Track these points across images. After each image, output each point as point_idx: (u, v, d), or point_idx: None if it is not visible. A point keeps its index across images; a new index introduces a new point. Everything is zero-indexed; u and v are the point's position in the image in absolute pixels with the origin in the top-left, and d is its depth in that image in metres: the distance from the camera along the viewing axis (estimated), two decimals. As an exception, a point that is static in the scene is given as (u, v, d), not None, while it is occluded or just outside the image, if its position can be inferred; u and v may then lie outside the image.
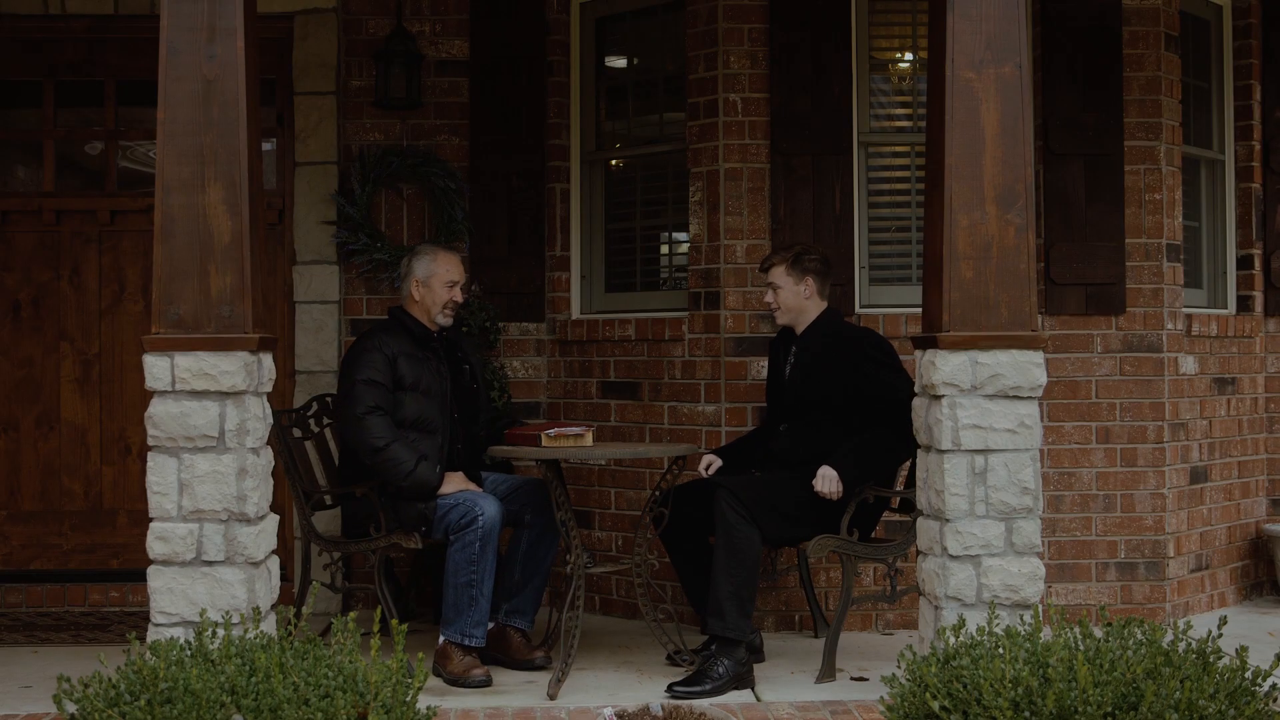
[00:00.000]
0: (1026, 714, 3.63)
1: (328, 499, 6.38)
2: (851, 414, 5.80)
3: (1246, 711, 3.70)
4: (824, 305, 6.00)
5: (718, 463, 6.06)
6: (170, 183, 4.76)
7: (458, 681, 5.56)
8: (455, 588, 5.68)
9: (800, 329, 6.00)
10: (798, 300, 5.94)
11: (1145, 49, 6.72)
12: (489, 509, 5.69)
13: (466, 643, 5.64)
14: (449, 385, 6.02)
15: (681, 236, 7.01)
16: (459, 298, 6.06)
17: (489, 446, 6.03)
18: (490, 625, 5.88)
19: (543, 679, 5.62)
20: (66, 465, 7.38)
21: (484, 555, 5.67)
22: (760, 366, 6.59)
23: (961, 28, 4.91)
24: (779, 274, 5.94)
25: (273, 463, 4.95)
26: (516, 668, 5.83)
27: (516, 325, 7.24)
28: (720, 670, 5.45)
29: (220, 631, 4.17)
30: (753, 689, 5.51)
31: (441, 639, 5.68)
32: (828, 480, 5.63)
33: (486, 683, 5.56)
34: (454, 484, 5.82)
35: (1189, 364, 6.92)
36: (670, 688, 5.42)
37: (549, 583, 7.18)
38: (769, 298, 5.99)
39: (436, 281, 5.99)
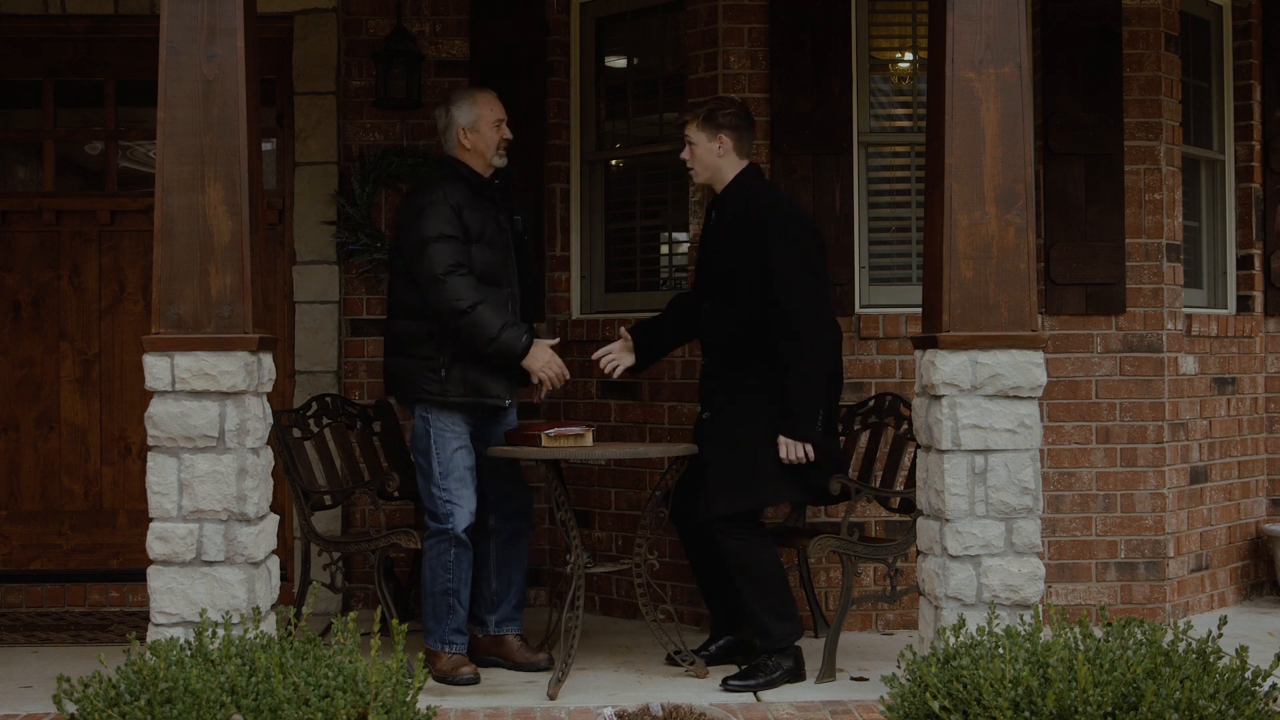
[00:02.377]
0: (1026, 714, 3.63)
1: (328, 499, 6.38)
2: (765, 299, 5.61)
3: (1246, 711, 3.70)
4: (742, 164, 5.76)
5: (625, 362, 5.92)
6: (170, 183, 4.76)
7: (445, 679, 5.57)
8: (432, 596, 5.64)
9: (719, 189, 5.78)
10: (711, 158, 5.72)
11: (1145, 49, 6.72)
12: (462, 514, 5.62)
13: (447, 650, 5.63)
14: (510, 235, 5.81)
15: (681, 236, 7.01)
16: (509, 135, 5.84)
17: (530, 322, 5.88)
18: (482, 636, 5.88)
19: (542, 679, 5.62)
20: (66, 465, 7.38)
21: (459, 563, 5.63)
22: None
23: (961, 28, 4.91)
24: (692, 130, 5.74)
25: (273, 463, 4.95)
26: (519, 670, 5.82)
27: (516, 325, 7.23)
28: (772, 664, 5.53)
29: (220, 631, 4.18)
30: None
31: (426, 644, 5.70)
32: (792, 449, 5.57)
33: (474, 680, 5.56)
34: (542, 357, 5.62)
35: (1189, 364, 6.92)
36: (725, 681, 5.50)
37: (549, 583, 7.20)
38: (685, 154, 5.79)
39: (484, 124, 5.77)
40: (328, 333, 7.21)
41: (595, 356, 5.97)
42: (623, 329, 6.03)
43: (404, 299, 5.73)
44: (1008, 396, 4.86)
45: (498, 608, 5.90)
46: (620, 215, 7.29)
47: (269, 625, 4.78)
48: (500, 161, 5.84)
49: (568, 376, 5.78)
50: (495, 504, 5.90)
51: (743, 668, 5.62)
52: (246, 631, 4.10)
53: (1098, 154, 6.69)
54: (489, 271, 5.67)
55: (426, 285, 5.57)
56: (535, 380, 5.72)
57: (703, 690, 5.47)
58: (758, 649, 5.65)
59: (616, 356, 5.95)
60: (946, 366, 4.86)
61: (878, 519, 6.57)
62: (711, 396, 5.78)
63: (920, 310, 5.31)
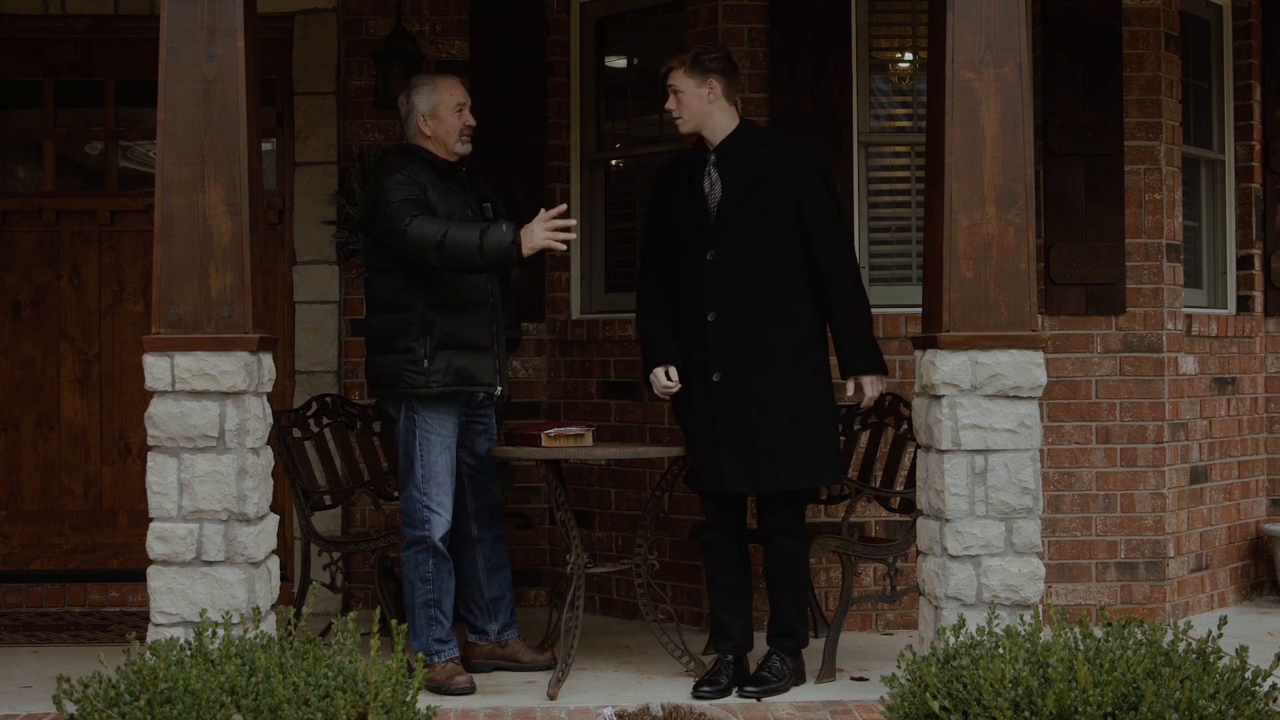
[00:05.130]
0: (1026, 714, 3.63)
1: (328, 499, 6.38)
2: (793, 241, 5.43)
3: (1246, 711, 3.70)
4: (735, 112, 5.54)
5: (675, 387, 5.57)
6: (170, 183, 4.76)
7: (440, 689, 5.43)
8: (414, 609, 5.56)
9: (716, 140, 5.52)
10: (701, 104, 5.47)
11: (1145, 49, 6.72)
12: (440, 522, 5.53)
13: (434, 659, 5.50)
14: (480, 218, 5.64)
15: (681, 236, 7.00)
16: (471, 120, 5.68)
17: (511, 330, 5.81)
18: (485, 644, 5.83)
19: (543, 679, 5.62)
20: (66, 465, 7.38)
21: (439, 574, 5.56)
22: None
23: (961, 28, 4.91)
24: (678, 77, 5.49)
25: (273, 463, 4.95)
26: (526, 670, 5.78)
27: (516, 325, 7.23)
28: (784, 667, 5.48)
29: (220, 631, 4.18)
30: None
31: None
32: (876, 384, 5.50)
33: (470, 690, 5.45)
34: (537, 230, 5.33)
35: (1189, 364, 6.92)
36: (741, 689, 5.41)
37: (549, 583, 7.20)
38: (670, 104, 5.53)
39: (444, 109, 5.63)
40: (328, 333, 7.21)
41: (662, 392, 5.62)
42: (671, 374, 5.59)
43: (380, 293, 5.61)
44: (1008, 396, 4.86)
45: (497, 615, 5.85)
46: (620, 215, 7.29)
47: (269, 625, 4.78)
48: (463, 148, 5.68)
49: (573, 223, 5.41)
50: (476, 512, 5.83)
51: (752, 674, 5.53)
52: (246, 631, 4.10)
53: (1098, 154, 6.69)
54: None
55: (398, 243, 5.38)
56: (547, 247, 5.39)
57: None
58: (774, 650, 5.53)
59: (674, 385, 5.65)
60: (946, 366, 4.86)
61: (878, 519, 6.57)
62: (728, 355, 5.43)
63: (920, 310, 5.30)
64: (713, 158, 5.53)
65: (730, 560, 5.58)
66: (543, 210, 5.40)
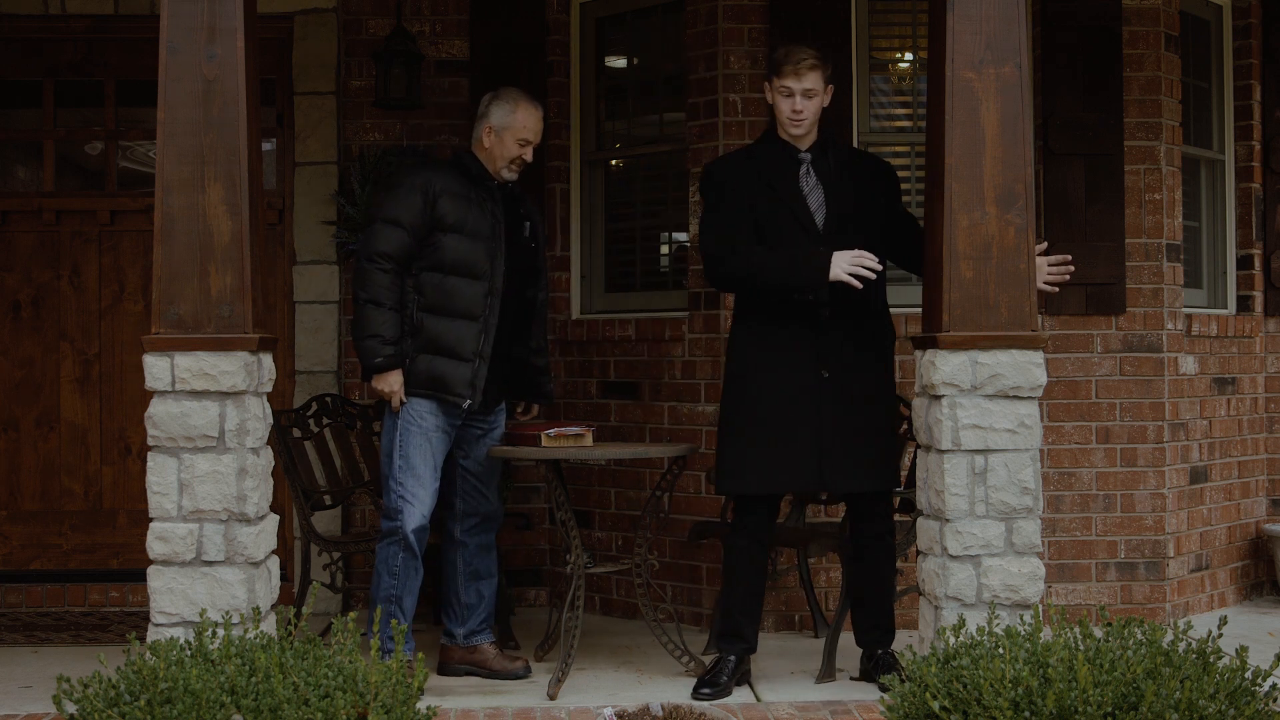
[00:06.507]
0: (1026, 714, 3.63)
1: (328, 499, 6.38)
2: (880, 242, 5.45)
3: (1246, 711, 3.70)
4: None
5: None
6: (170, 183, 4.76)
7: None
8: (375, 601, 5.54)
9: (805, 145, 5.45)
10: (819, 107, 5.41)
11: (1145, 49, 6.72)
12: (413, 514, 5.52)
13: (386, 656, 5.39)
14: (502, 232, 5.62)
15: (681, 236, 7.01)
16: (529, 157, 5.71)
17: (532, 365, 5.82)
18: (453, 646, 5.77)
19: (543, 679, 5.62)
20: (66, 465, 7.38)
21: (406, 570, 5.54)
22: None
23: (961, 28, 4.91)
24: (817, 79, 5.34)
25: (273, 463, 4.95)
26: (496, 678, 5.68)
27: (516, 325, 7.23)
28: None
29: (220, 631, 4.18)
30: (752, 688, 5.52)
31: None
32: None
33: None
34: (391, 382, 5.49)
35: (1189, 364, 6.92)
36: (878, 683, 5.37)
37: (549, 583, 7.20)
38: (798, 105, 5.33)
39: (510, 135, 5.63)
40: (328, 333, 7.21)
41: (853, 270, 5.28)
42: None
43: None
44: (1008, 396, 4.86)
45: (466, 621, 5.79)
46: (620, 215, 7.29)
47: (269, 625, 4.78)
48: (509, 175, 5.70)
49: (402, 403, 5.55)
50: (463, 515, 5.80)
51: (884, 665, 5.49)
52: (246, 631, 4.10)
53: (1098, 154, 6.69)
54: (462, 263, 5.53)
55: (357, 258, 5.57)
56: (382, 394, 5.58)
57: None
58: (882, 649, 5.55)
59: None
60: (946, 366, 4.86)
61: (878, 519, 6.56)
62: (836, 352, 5.38)
63: (920, 310, 5.30)
64: (809, 157, 5.45)
65: (758, 565, 5.56)
66: (397, 379, 5.54)
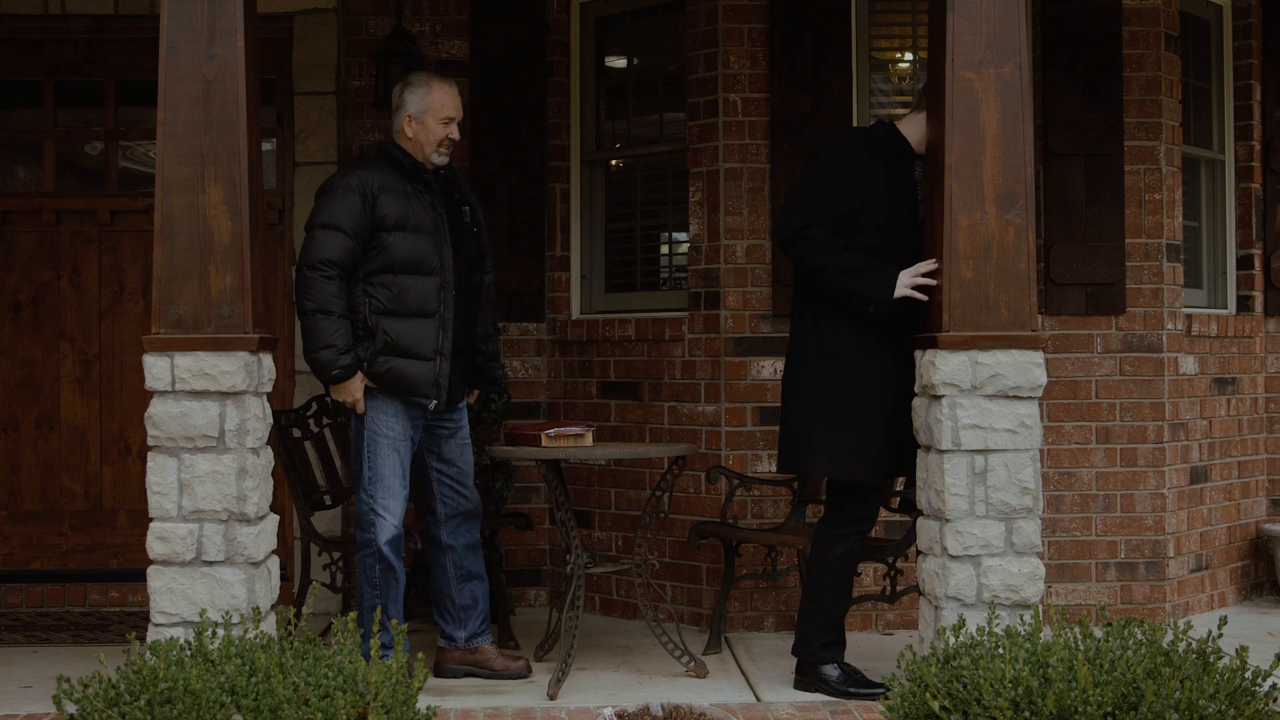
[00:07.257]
0: (1026, 714, 3.63)
1: (328, 499, 6.38)
2: None
3: (1246, 711, 3.70)
4: None
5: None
6: (170, 183, 4.76)
7: None
8: (361, 610, 5.53)
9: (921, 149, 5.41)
10: None
11: (1145, 49, 6.73)
12: (385, 526, 5.48)
13: (385, 656, 5.35)
14: (445, 222, 5.54)
15: (681, 236, 7.01)
16: (455, 135, 5.58)
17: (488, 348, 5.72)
18: (454, 649, 5.76)
19: (543, 679, 5.62)
20: (66, 465, 7.38)
21: (385, 580, 5.52)
22: (760, 367, 6.59)
23: (961, 28, 4.91)
24: None
25: (273, 463, 4.95)
26: (497, 678, 5.69)
27: (516, 325, 7.24)
28: None
29: (220, 631, 4.18)
30: (753, 688, 5.52)
31: None
32: None
33: None
34: (352, 391, 5.42)
35: (1189, 364, 6.92)
36: None
37: (549, 583, 7.20)
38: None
39: (431, 118, 5.52)
40: (328, 333, 7.20)
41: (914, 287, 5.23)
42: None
43: None
44: (1008, 396, 4.86)
45: (466, 624, 5.76)
46: (620, 215, 7.29)
47: (269, 625, 4.78)
48: (439, 160, 5.57)
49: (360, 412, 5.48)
50: (445, 517, 5.76)
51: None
52: (246, 631, 4.10)
53: (1098, 154, 6.70)
54: (412, 259, 5.43)
55: (298, 267, 5.44)
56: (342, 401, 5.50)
57: (702, 690, 5.47)
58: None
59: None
60: (946, 366, 4.86)
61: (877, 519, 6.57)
62: (898, 343, 5.35)
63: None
64: (917, 165, 5.41)
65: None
66: (358, 385, 5.44)
